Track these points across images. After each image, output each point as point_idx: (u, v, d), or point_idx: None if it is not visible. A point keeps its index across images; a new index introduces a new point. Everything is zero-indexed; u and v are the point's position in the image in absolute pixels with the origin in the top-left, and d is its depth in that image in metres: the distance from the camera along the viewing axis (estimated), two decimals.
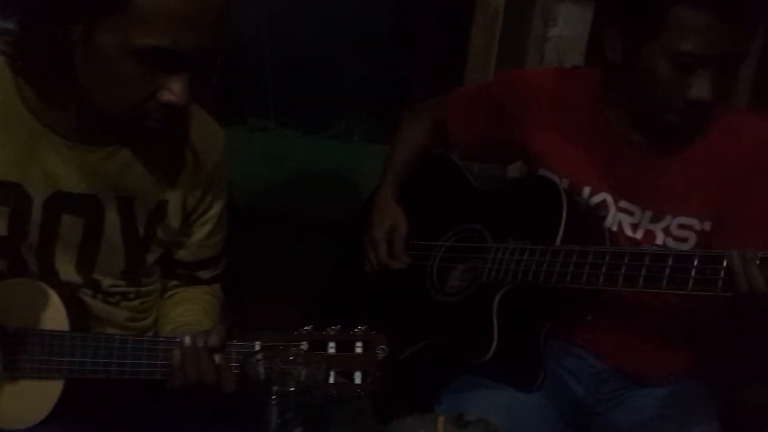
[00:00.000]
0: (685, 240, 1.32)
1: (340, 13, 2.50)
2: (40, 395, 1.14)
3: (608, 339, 1.37)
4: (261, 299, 2.24)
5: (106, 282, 1.24)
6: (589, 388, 1.39)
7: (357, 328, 1.10)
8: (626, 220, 1.35)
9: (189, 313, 1.29)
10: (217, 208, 1.33)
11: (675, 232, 1.32)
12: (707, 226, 1.31)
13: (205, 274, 1.36)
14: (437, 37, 2.47)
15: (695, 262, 1.10)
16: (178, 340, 1.11)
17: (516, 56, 2.28)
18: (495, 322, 1.27)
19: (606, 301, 1.31)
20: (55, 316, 1.15)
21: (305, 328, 1.09)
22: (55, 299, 1.15)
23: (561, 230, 1.26)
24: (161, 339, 1.14)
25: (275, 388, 0.83)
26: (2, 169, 1.12)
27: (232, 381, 1.10)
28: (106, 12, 1.00)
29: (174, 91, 1.04)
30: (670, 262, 1.12)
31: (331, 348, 1.08)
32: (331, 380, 1.06)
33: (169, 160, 1.24)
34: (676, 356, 1.39)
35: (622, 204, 1.35)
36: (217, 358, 1.10)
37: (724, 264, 1.06)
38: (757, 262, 1.03)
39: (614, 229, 1.35)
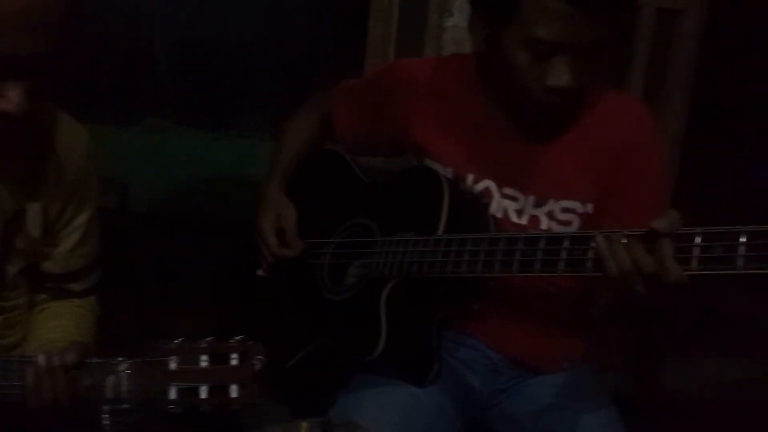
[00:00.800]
0: (569, 223, 1.32)
1: (239, 6, 2.45)
2: None
3: (500, 328, 1.36)
4: (166, 307, 2.18)
5: None
6: (485, 379, 1.38)
7: (232, 338, 1.06)
8: (511, 207, 1.34)
9: (58, 329, 1.22)
10: (84, 216, 1.27)
11: (559, 215, 1.32)
12: (589, 208, 1.31)
13: (76, 287, 1.30)
14: (336, 29, 2.45)
15: (565, 244, 1.09)
16: (32, 358, 1.05)
17: (414, 46, 2.29)
18: (383, 318, 1.24)
19: (494, 289, 1.29)
20: None
21: (175, 341, 1.04)
22: None
23: (443, 219, 1.25)
24: (15, 359, 1.07)
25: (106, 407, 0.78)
26: None
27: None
28: None
29: (10, 99, 0.99)
30: (541, 245, 1.11)
31: (204, 361, 1.04)
32: (203, 395, 1.02)
33: (29, 168, 1.18)
34: (568, 343, 1.39)
35: (506, 191, 1.34)
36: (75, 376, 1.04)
37: (592, 245, 1.06)
38: (624, 241, 1.03)
39: (500, 215, 1.34)
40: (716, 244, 0.96)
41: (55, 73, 1.05)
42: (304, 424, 0.95)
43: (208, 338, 1.05)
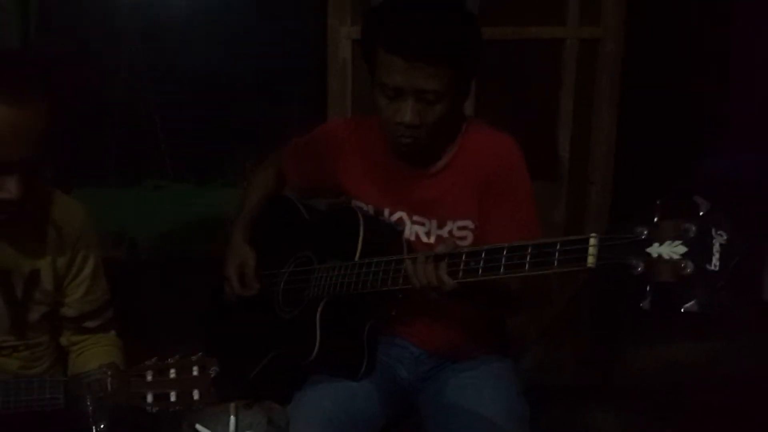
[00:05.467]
0: (465, 238, 1.65)
1: (217, 74, 2.83)
2: None
3: (421, 328, 1.70)
4: (171, 338, 2.51)
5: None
6: (411, 370, 1.72)
7: (195, 355, 1.39)
8: (421, 230, 1.67)
9: (100, 356, 1.58)
10: (87, 271, 1.63)
11: (457, 233, 1.65)
12: (477, 224, 1.64)
13: (91, 324, 1.66)
14: (303, 87, 2.80)
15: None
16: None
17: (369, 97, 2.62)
18: (318, 328, 1.59)
19: (410, 298, 1.62)
20: None
21: (149, 360, 1.37)
22: None
23: (359, 247, 1.59)
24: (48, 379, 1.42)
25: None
26: None
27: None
28: None
29: (9, 190, 1.35)
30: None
31: (173, 374, 1.36)
32: (173, 398, 1.33)
33: (35, 236, 1.55)
34: (477, 336, 1.72)
35: (415, 218, 1.68)
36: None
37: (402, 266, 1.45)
38: (426, 260, 1.39)
39: (412, 239, 1.67)
40: (480, 258, 1.32)
41: (57, 155, 1.39)
42: (232, 404, 1.28)
43: (175, 356, 1.38)
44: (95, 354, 1.63)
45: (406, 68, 1.47)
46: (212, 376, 1.35)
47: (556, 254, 1.21)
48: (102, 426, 1.19)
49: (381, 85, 1.53)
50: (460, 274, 1.35)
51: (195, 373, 1.35)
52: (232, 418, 1.26)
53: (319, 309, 1.61)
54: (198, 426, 1.23)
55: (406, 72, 1.48)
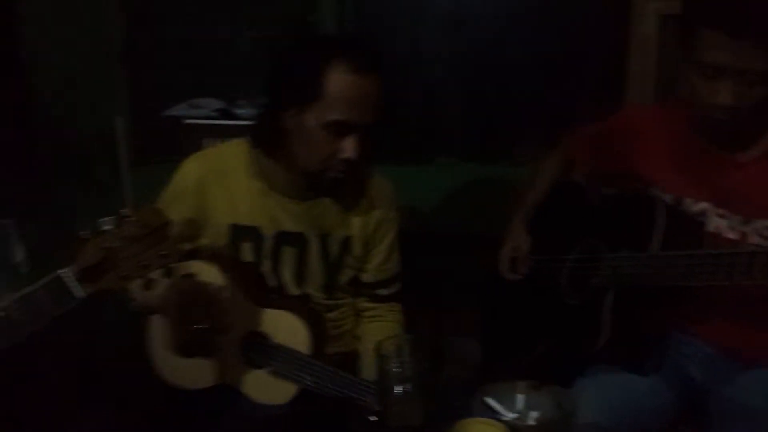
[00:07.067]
0: None
1: (509, 53, 2.84)
2: (281, 389, 1.63)
3: (716, 328, 1.60)
4: (457, 309, 2.62)
5: (315, 295, 1.75)
6: (702, 370, 1.63)
7: None
8: (723, 224, 1.57)
9: (384, 331, 1.75)
10: (387, 242, 1.80)
11: (765, 232, 1.53)
12: None
13: (382, 292, 1.83)
14: (599, 66, 2.71)
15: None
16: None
17: (673, 78, 2.47)
18: (605, 318, 1.57)
19: (710, 293, 1.54)
20: (301, 339, 1.63)
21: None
22: (301, 327, 1.63)
23: (657, 238, 1.53)
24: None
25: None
26: (248, 218, 1.69)
27: None
28: (310, 101, 1.54)
29: (349, 149, 1.55)
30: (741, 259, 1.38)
31: None
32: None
33: (352, 206, 1.75)
34: None
35: (720, 210, 1.58)
36: None
37: None
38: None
39: (715, 232, 1.58)
40: None
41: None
42: (521, 383, 1.32)
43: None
44: (382, 328, 1.79)
45: (730, 45, 1.39)
46: None
47: None
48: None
49: (697, 63, 1.45)
50: None
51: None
52: (521, 397, 1.30)
53: (608, 298, 1.59)
54: (487, 399, 1.29)
55: (729, 49, 1.40)
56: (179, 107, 2.82)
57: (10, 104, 2.60)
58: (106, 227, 1.17)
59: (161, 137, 2.78)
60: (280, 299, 1.70)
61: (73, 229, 2.59)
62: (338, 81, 1.52)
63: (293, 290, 1.74)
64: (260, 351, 1.64)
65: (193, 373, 1.66)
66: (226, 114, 2.78)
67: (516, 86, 2.86)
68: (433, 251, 2.75)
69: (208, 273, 1.60)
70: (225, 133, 2.68)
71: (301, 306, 1.69)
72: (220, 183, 1.68)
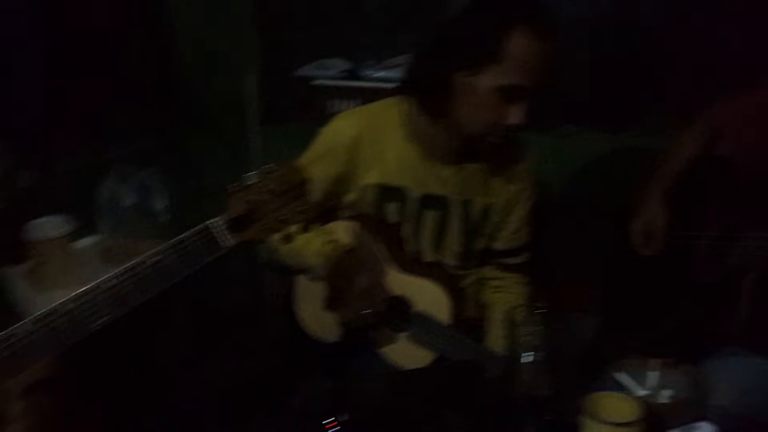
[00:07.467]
0: None
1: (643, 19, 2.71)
2: (419, 354, 1.64)
3: None
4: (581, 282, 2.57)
5: (447, 264, 1.74)
6: None
7: None
8: None
9: (509, 302, 1.70)
10: (522, 211, 1.77)
11: None
12: None
13: (511, 260, 1.81)
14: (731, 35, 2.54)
15: None
16: None
17: None
18: (744, 299, 1.52)
19: None
20: (443, 309, 1.64)
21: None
22: (444, 297, 1.65)
23: None
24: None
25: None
26: (396, 178, 1.68)
27: None
28: (488, 63, 1.50)
29: (518, 115, 1.52)
30: None
31: None
32: None
33: (496, 174, 1.73)
34: None
35: None
36: None
37: None
38: None
39: None
40: None
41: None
42: (655, 360, 1.28)
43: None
44: (507, 299, 1.76)
45: None
46: None
47: None
48: None
49: None
50: None
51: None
52: (653, 374, 1.27)
53: (747, 278, 1.53)
54: (618, 375, 1.27)
55: None
56: (308, 67, 2.84)
57: (152, 64, 2.72)
58: (251, 181, 1.22)
59: (289, 97, 2.84)
60: (422, 266, 1.71)
61: (202, 184, 2.72)
62: (521, 44, 1.48)
63: (429, 256, 1.74)
64: (401, 316, 1.66)
65: (336, 330, 1.70)
66: (353, 75, 2.79)
67: (649, 53, 2.74)
68: (557, 223, 2.70)
69: (351, 233, 1.63)
70: (351, 96, 2.73)
71: (444, 275, 1.69)
72: (374, 141, 1.68)
